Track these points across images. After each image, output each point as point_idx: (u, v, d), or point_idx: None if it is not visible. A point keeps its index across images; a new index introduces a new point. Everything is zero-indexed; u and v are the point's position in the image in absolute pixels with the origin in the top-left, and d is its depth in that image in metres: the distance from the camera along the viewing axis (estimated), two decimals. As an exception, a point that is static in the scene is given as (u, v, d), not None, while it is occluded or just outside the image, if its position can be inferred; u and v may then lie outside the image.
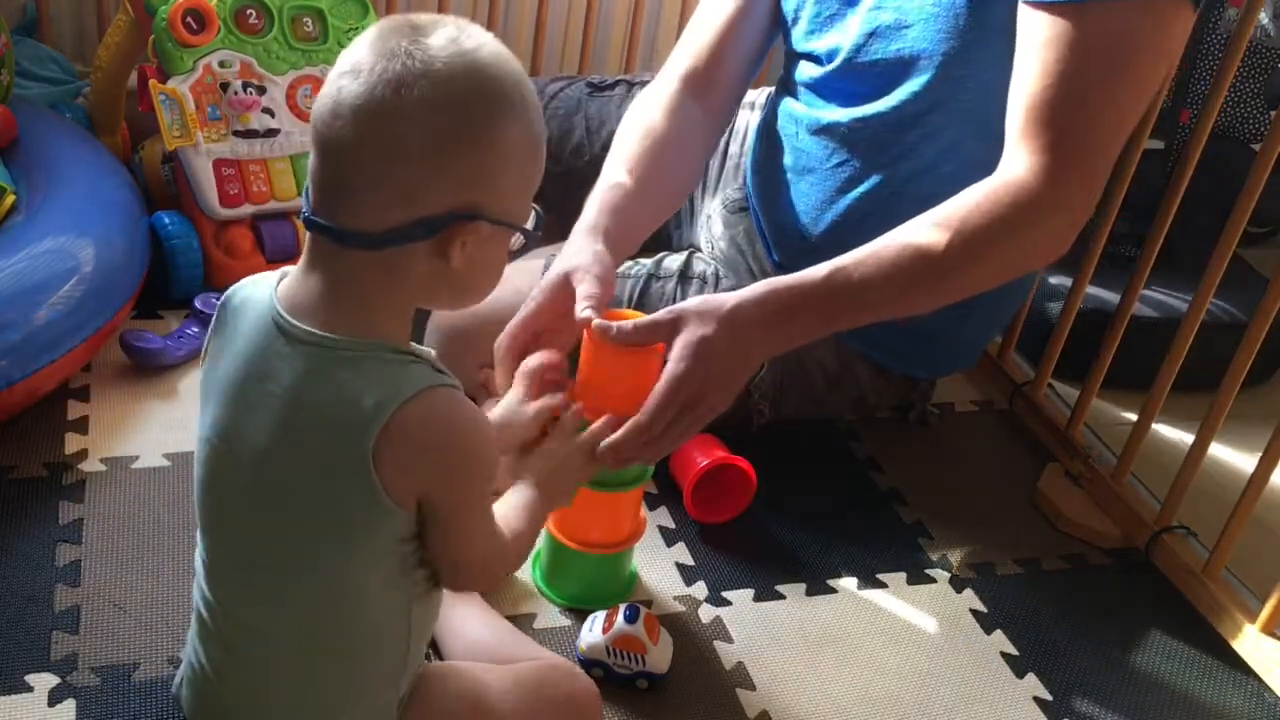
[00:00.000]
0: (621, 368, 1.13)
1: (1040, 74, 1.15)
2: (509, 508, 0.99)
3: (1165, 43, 1.17)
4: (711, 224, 1.57)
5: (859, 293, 1.15)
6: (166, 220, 1.57)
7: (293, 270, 0.88)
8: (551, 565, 1.25)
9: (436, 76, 0.79)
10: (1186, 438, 1.43)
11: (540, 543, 1.27)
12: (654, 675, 1.15)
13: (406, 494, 0.85)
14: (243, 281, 0.90)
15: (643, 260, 1.48)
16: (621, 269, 1.46)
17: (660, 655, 1.15)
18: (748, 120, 1.62)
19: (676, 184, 1.42)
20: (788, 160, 1.42)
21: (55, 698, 1.06)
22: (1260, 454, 1.31)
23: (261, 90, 1.59)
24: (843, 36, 1.35)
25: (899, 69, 1.30)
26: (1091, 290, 1.61)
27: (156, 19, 1.54)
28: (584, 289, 1.12)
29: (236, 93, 1.57)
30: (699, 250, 1.59)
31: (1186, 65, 1.89)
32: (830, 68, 1.37)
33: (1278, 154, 1.31)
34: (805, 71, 1.41)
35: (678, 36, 2.21)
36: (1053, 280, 1.76)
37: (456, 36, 0.82)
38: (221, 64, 1.57)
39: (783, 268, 1.45)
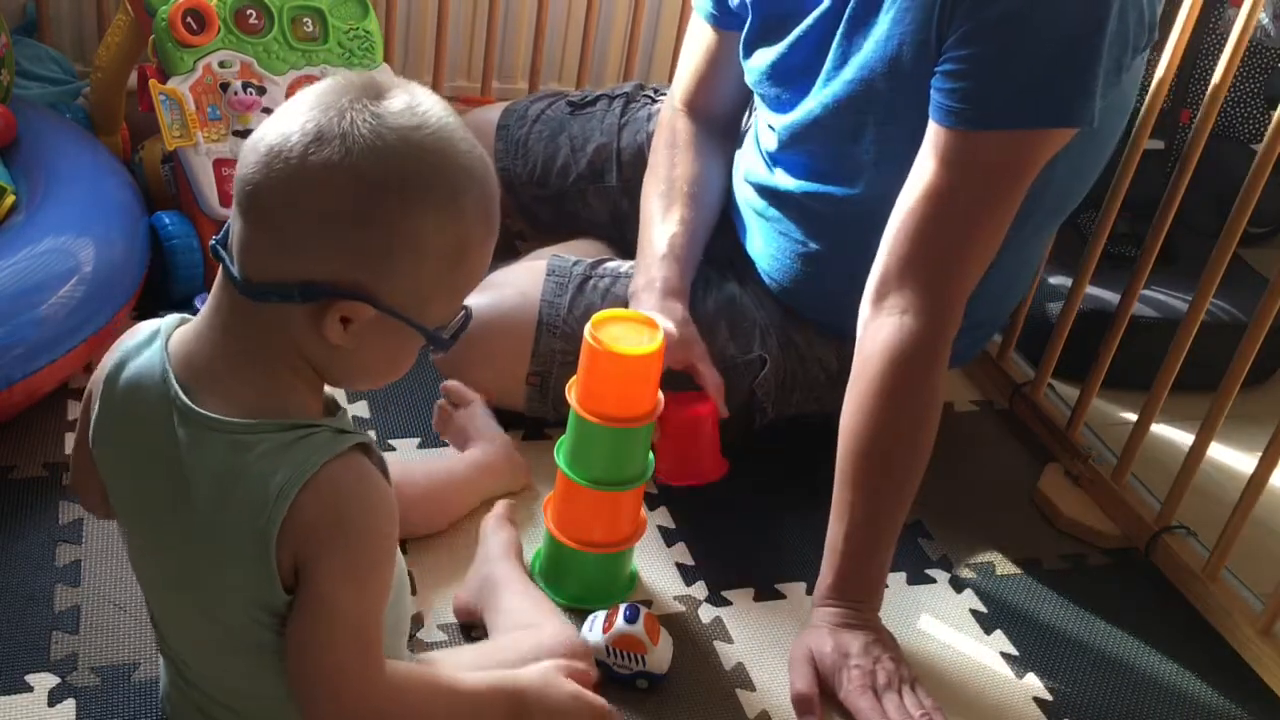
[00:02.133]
0: (621, 373, 1.13)
1: (929, 193, 1.18)
2: (470, 675, 0.92)
3: (1045, 159, 1.20)
4: None
5: (873, 538, 1.20)
6: (166, 220, 1.57)
7: (190, 323, 0.84)
8: (551, 565, 1.25)
9: (355, 143, 0.74)
10: (1186, 438, 1.43)
11: (540, 543, 1.27)
12: (654, 675, 1.15)
13: (289, 568, 0.81)
14: (124, 348, 0.85)
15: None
16: (625, 270, 1.46)
17: (660, 655, 1.15)
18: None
19: (715, 210, 1.48)
20: (760, 195, 1.44)
21: (55, 698, 1.06)
22: (1260, 454, 1.31)
23: (261, 90, 1.59)
24: (784, 122, 1.37)
25: (831, 164, 1.34)
26: (1091, 290, 1.61)
27: (156, 19, 1.54)
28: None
29: (237, 93, 1.57)
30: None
31: (1186, 65, 1.89)
32: (776, 148, 1.40)
33: (1278, 154, 1.31)
34: (764, 135, 1.44)
35: (677, 43, 2.22)
36: (1053, 280, 1.76)
37: (403, 111, 0.76)
38: (221, 64, 1.57)
39: (768, 277, 1.46)
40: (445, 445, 1.43)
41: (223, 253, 0.80)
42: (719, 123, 1.53)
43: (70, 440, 1.34)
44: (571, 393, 1.17)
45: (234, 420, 0.80)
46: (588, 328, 1.14)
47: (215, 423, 0.80)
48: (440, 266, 0.80)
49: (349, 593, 0.81)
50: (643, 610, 1.15)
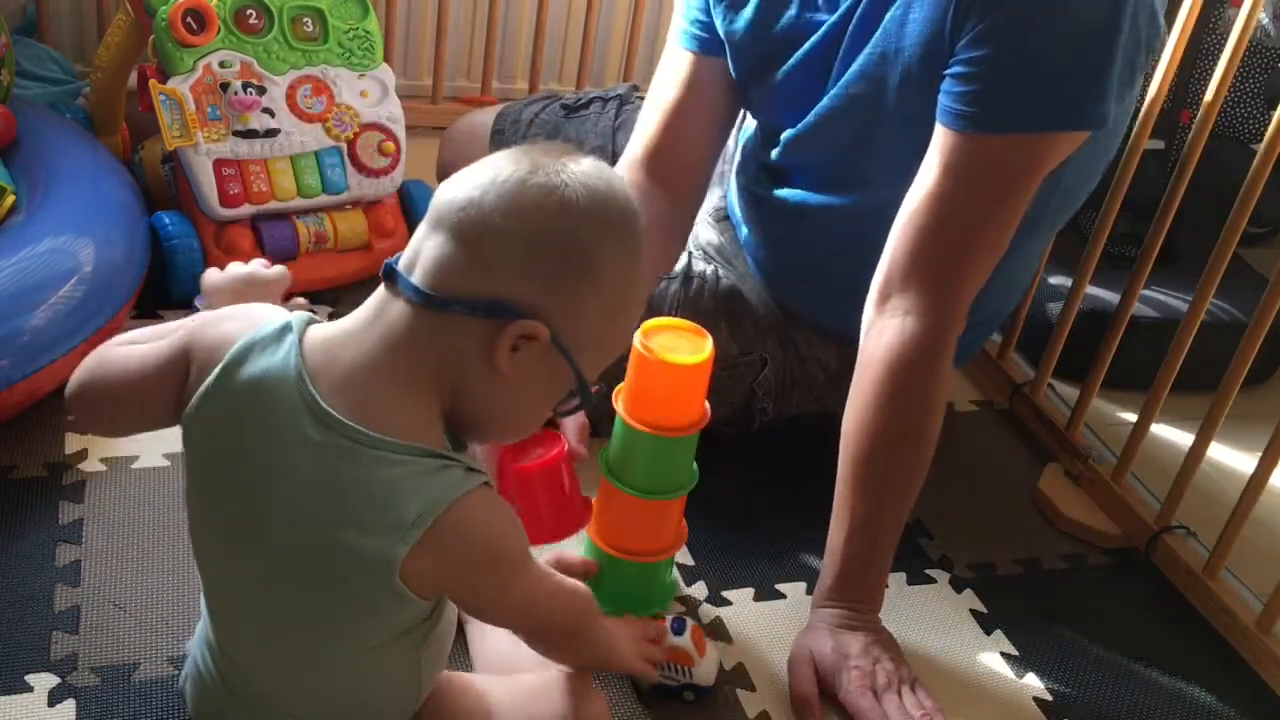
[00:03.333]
0: (671, 382, 1.13)
1: (936, 196, 1.17)
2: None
3: (1054, 163, 1.19)
4: (698, 231, 1.57)
5: (874, 541, 1.20)
6: (166, 220, 1.57)
7: (331, 327, 0.85)
8: (595, 573, 1.24)
9: (567, 178, 0.82)
10: (1186, 438, 1.43)
11: (583, 550, 1.26)
12: (701, 688, 1.14)
13: (429, 592, 0.85)
14: (245, 345, 0.84)
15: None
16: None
17: (707, 668, 1.14)
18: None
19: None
20: (759, 199, 1.43)
21: (55, 698, 1.06)
22: (1260, 454, 1.31)
23: (261, 90, 1.59)
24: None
25: (833, 171, 1.33)
26: (1091, 290, 1.61)
27: (156, 19, 1.54)
28: None
29: (236, 93, 1.57)
30: (693, 251, 1.59)
31: (1186, 65, 1.89)
32: (779, 153, 1.38)
33: (1278, 154, 1.31)
34: (764, 140, 1.42)
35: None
36: (1053, 280, 1.76)
37: (602, 168, 0.86)
38: (222, 64, 1.57)
39: (767, 282, 1.46)
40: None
41: (396, 269, 0.83)
42: (684, 180, 1.39)
43: (71, 440, 1.34)
44: (618, 401, 1.17)
45: (378, 438, 0.80)
46: (637, 336, 1.12)
47: (360, 436, 0.80)
48: (605, 311, 0.86)
49: (507, 591, 0.89)
50: (689, 622, 1.14)
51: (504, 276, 0.81)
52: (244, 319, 0.86)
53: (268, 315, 0.86)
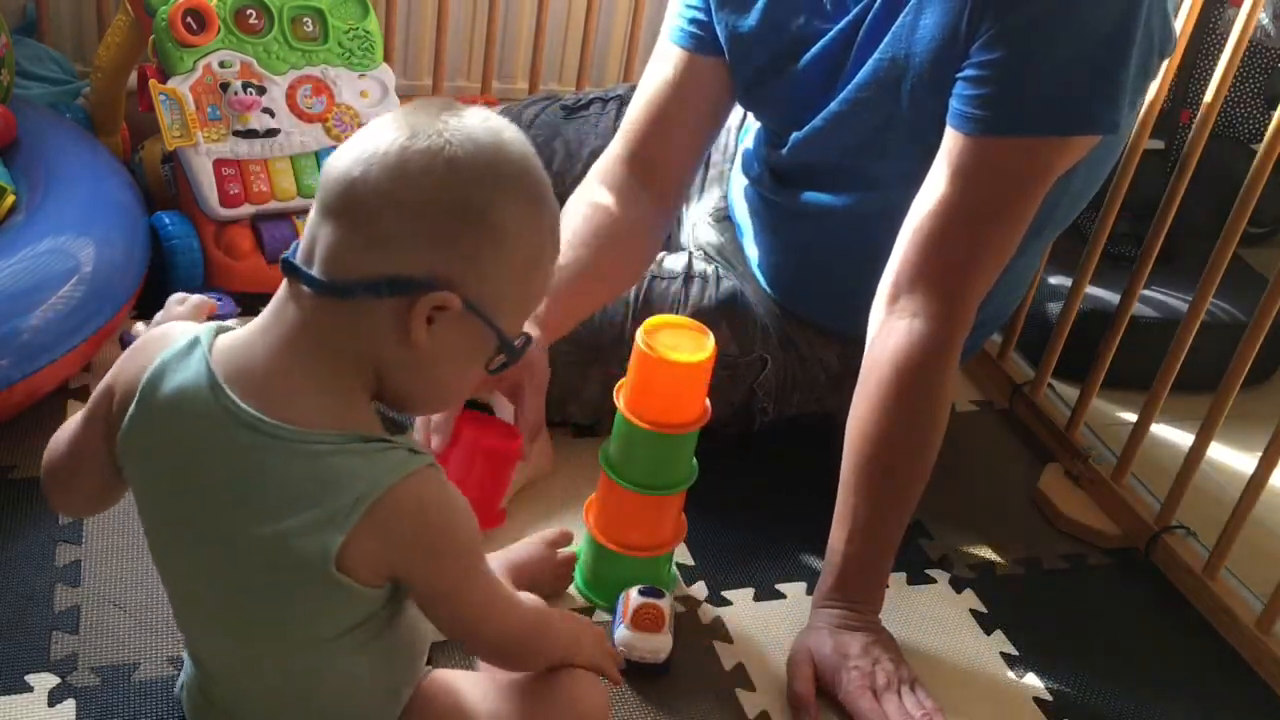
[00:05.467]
0: (673, 380, 1.13)
1: (946, 199, 1.16)
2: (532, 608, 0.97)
3: (1065, 167, 1.19)
4: (698, 231, 1.57)
5: (876, 542, 1.20)
6: (166, 220, 1.57)
7: (239, 332, 0.83)
8: (592, 567, 1.24)
9: (450, 138, 0.78)
10: (1186, 438, 1.43)
11: (581, 545, 1.26)
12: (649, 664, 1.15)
13: (376, 577, 0.83)
14: (162, 357, 0.82)
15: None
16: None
17: (660, 642, 1.15)
18: (729, 127, 1.61)
19: (621, 268, 1.36)
20: (761, 199, 1.43)
21: (55, 698, 1.06)
22: (1260, 454, 1.31)
23: (261, 90, 1.59)
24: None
25: (839, 172, 1.32)
26: (1091, 290, 1.61)
27: (156, 19, 1.54)
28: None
29: (236, 93, 1.57)
30: (693, 251, 1.59)
31: (1186, 65, 1.89)
32: (784, 153, 1.36)
33: (1278, 154, 1.31)
34: (769, 139, 1.41)
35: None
36: (1053, 280, 1.76)
37: (487, 118, 0.82)
38: (222, 64, 1.57)
39: (769, 283, 1.46)
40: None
41: (294, 263, 0.80)
42: (669, 180, 1.36)
43: (70, 440, 1.34)
44: (619, 397, 1.17)
45: (307, 431, 0.80)
46: (640, 334, 1.13)
47: (287, 433, 0.79)
48: (517, 269, 0.82)
49: (476, 580, 0.87)
50: (660, 602, 1.16)
51: (402, 251, 0.78)
52: (156, 341, 0.85)
53: (178, 332, 0.85)
